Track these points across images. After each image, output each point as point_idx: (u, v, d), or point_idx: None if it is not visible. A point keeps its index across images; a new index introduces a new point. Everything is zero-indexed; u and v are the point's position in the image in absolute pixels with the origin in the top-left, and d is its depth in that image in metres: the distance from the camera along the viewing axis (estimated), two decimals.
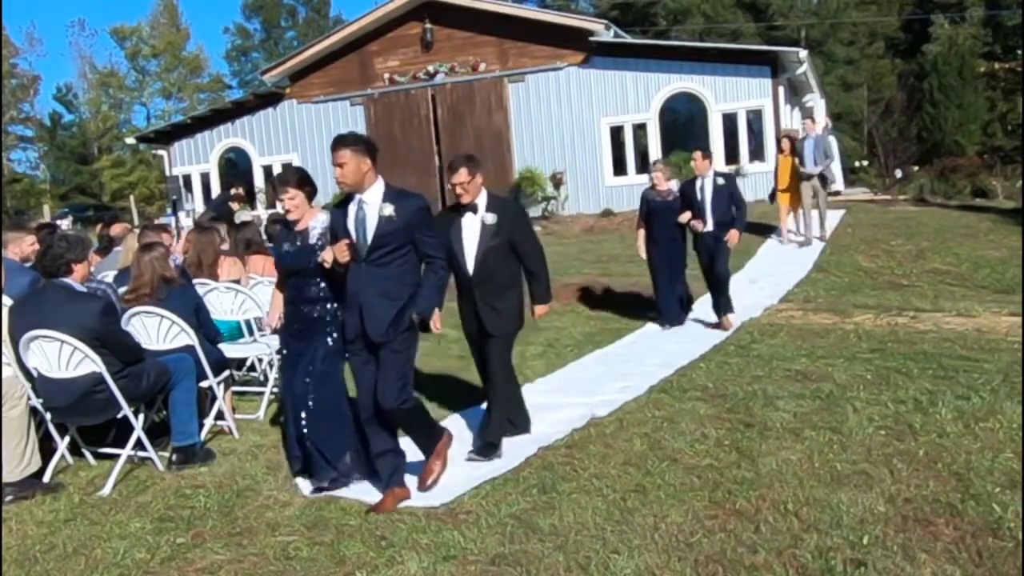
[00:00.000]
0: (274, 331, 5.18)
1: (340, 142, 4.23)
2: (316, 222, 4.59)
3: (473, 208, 4.95)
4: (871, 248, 12.81)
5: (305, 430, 4.55)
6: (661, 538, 3.64)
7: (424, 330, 4.41)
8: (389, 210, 4.21)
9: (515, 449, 4.96)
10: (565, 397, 6.25)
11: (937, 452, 4.43)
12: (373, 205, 4.24)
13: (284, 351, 4.79)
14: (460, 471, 4.68)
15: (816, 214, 13.22)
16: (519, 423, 5.31)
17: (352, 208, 4.31)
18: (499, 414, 5.03)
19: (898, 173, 24.25)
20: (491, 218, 4.92)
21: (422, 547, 3.71)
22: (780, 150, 13.53)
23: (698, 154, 8.47)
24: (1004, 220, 15.03)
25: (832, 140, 20.31)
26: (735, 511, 3.87)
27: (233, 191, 13.24)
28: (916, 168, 25.27)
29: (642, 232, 8.82)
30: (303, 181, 4.62)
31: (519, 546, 3.66)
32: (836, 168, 20.15)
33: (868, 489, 3.99)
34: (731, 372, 6.49)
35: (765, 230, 13.93)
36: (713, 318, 8.53)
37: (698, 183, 8.41)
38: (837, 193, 19.56)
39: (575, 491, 4.25)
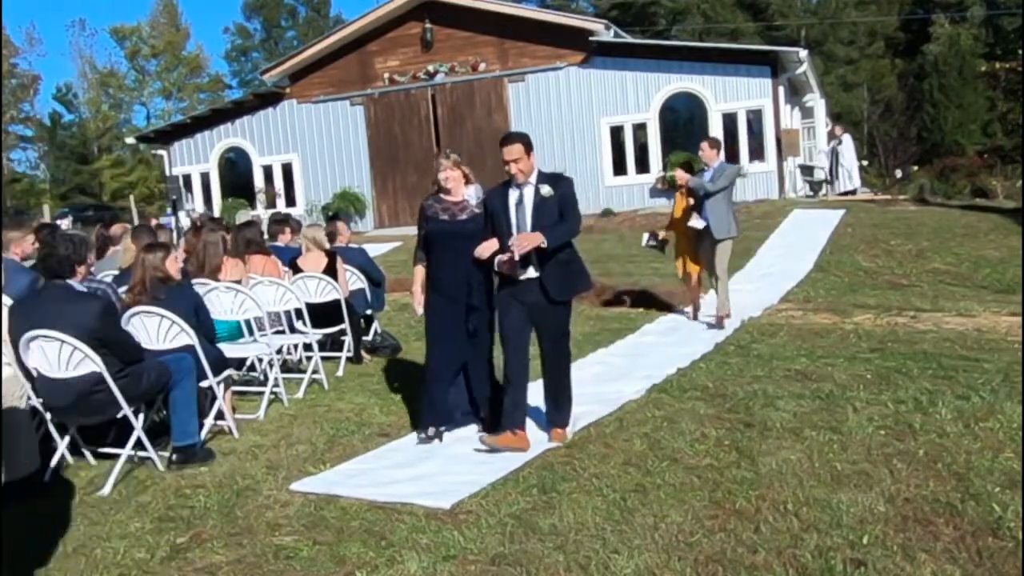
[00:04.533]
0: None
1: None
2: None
3: None
4: (871, 248, 12.82)
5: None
6: (661, 538, 3.64)
7: None
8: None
9: None
10: None
11: (937, 452, 4.43)
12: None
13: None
14: (460, 472, 4.68)
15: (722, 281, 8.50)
16: None
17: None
18: None
19: (898, 173, 24.28)
20: None
21: (422, 547, 3.71)
22: (678, 186, 8.96)
23: (517, 147, 4.82)
24: (1004, 220, 15.04)
25: (848, 140, 20.32)
26: (735, 511, 3.87)
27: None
28: (916, 168, 25.33)
29: (421, 270, 5.43)
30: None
31: (519, 546, 3.66)
32: (853, 170, 20.17)
33: (868, 489, 3.99)
34: (731, 372, 6.49)
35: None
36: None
37: (513, 194, 4.93)
38: (853, 192, 19.55)
39: (575, 491, 4.25)
